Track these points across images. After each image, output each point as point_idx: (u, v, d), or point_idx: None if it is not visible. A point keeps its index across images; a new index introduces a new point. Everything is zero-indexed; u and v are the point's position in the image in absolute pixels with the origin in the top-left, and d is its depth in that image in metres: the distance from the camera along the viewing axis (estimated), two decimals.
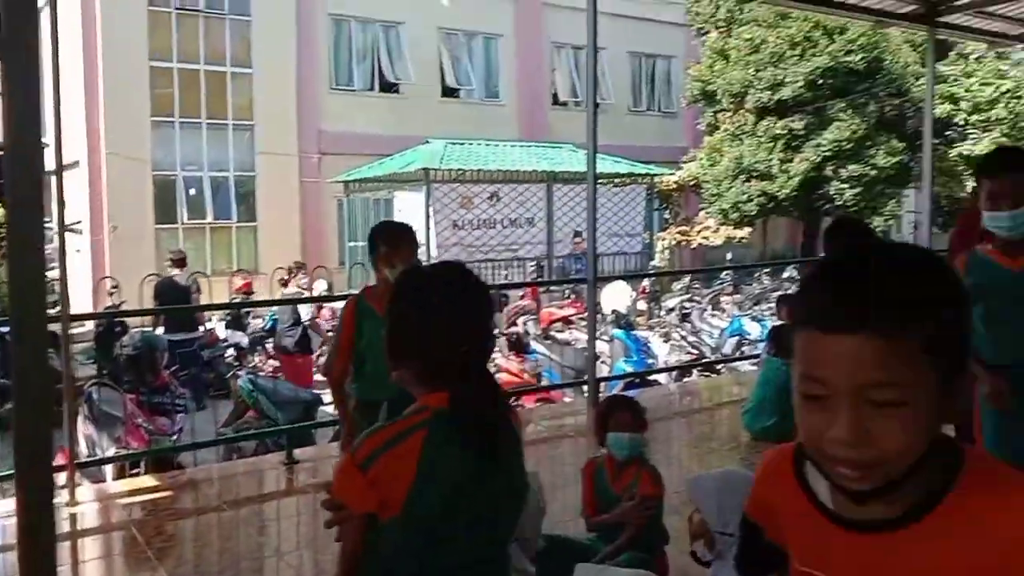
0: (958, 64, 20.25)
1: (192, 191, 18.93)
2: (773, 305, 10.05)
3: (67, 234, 15.90)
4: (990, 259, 2.55)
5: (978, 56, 20.10)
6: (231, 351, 10.66)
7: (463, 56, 22.38)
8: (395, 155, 17.66)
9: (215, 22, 19.12)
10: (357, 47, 21.02)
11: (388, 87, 21.30)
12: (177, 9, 18.57)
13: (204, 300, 10.07)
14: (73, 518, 4.58)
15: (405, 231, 3.70)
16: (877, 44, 19.02)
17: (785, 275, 14.45)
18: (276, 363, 10.27)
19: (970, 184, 20.83)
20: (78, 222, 17.36)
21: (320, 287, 12.35)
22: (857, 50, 18.92)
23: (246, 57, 19.41)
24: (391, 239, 3.61)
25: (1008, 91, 20.02)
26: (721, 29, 20.81)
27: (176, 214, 18.58)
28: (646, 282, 12.11)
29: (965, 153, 20.25)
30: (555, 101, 23.91)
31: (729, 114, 20.56)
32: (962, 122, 20.21)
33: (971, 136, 20.28)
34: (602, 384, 6.89)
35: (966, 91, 20.04)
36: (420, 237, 13.48)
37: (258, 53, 19.37)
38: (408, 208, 16.34)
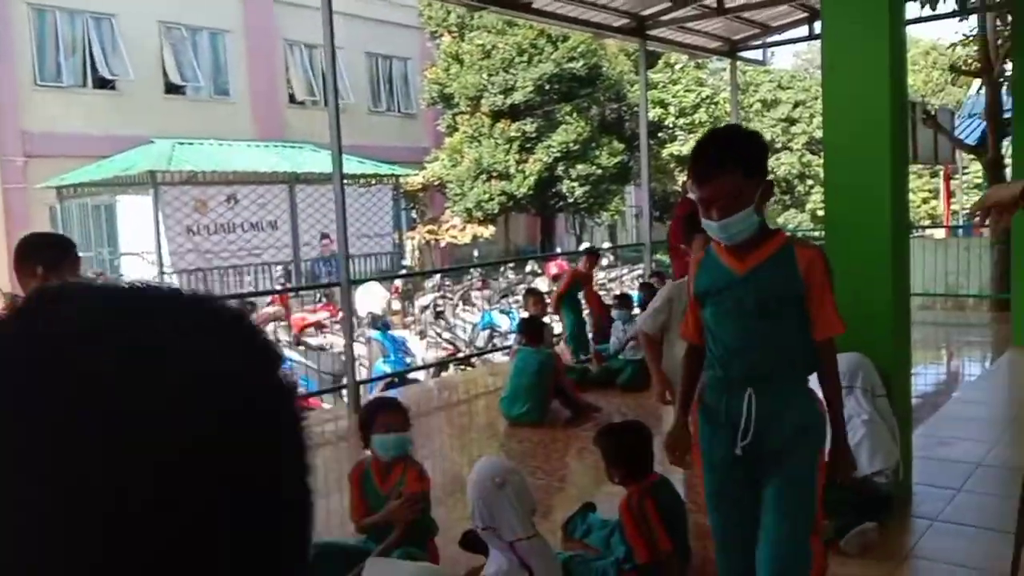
0: (665, 72, 22.51)
1: None
2: (520, 298, 10.60)
3: None
4: (719, 260, 2.42)
5: (682, 66, 22.48)
6: None
7: (187, 51, 21.01)
8: (116, 156, 16.24)
9: None
10: (64, 40, 19.00)
11: (103, 83, 19.49)
12: None
13: None
14: None
15: (65, 245, 3.13)
16: (596, 52, 20.61)
17: (528, 269, 15.25)
18: None
19: (681, 179, 23.29)
20: None
21: None
22: (579, 57, 20.36)
23: None
24: (51, 256, 2.97)
25: (707, 97, 22.60)
26: (454, 34, 21.43)
27: None
28: (399, 282, 12.21)
29: (675, 153, 22.57)
30: (291, 100, 23.22)
31: (467, 116, 21.23)
32: (671, 124, 22.51)
33: (679, 137, 22.64)
34: (362, 387, 6.89)
35: (673, 97, 22.34)
36: (149, 245, 12.55)
37: None
38: (133, 214, 15.11)
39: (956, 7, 10.32)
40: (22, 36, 18.08)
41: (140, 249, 14.94)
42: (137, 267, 14.53)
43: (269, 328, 10.60)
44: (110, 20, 19.40)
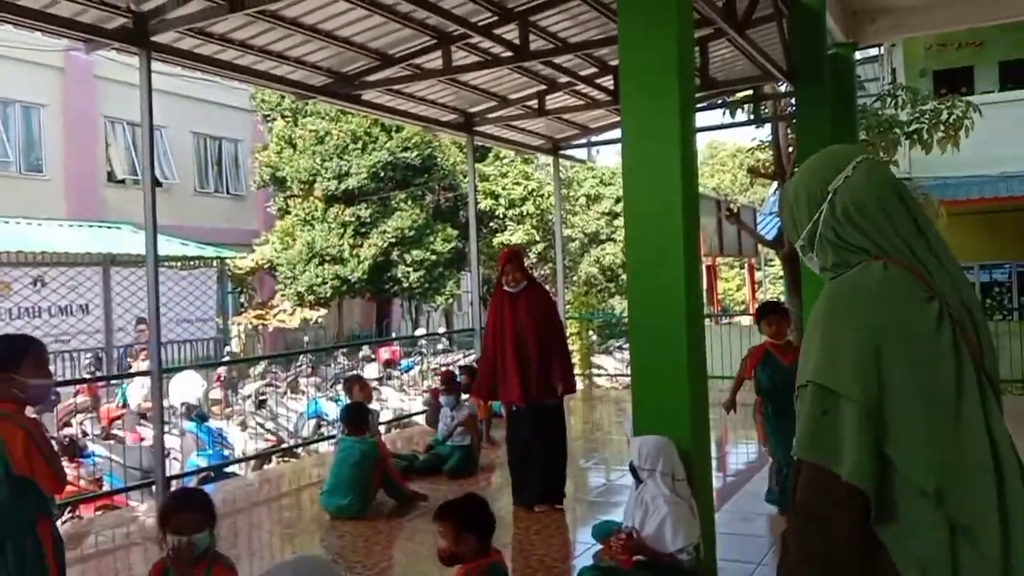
0: (495, 165, 23.40)
1: None
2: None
3: None
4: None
5: (510, 160, 23.47)
6: None
7: None
8: None
9: None
10: None
11: None
12: None
13: None
14: None
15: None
16: (430, 143, 21.16)
17: (361, 354, 15.05)
18: None
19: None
20: None
21: None
22: (413, 147, 20.83)
23: None
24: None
25: (534, 190, 23.63)
26: (287, 118, 21.38)
27: None
28: (222, 369, 11.70)
29: (505, 242, 23.28)
30: (110, 178, 22.14)
31: (299, 199, 21.04)
32: (501, 215, 23.28)
33: (508, 227, 23.43)
34: (174, 482, 6.51)
35: (503, 188, 23.19)
36: None
37: None
38: None
39: (751, 116, 11.52)
40: None
41: None
42: None
43: (76, 420, 9.83)
44: None
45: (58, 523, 3.50)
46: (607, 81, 9.35)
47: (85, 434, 8.88)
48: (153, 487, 6.38)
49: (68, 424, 9.54)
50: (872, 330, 1.44)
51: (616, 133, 11.74)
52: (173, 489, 3.36)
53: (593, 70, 9.18)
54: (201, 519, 3.15)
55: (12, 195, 18.82)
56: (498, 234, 23.31)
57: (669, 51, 4.34)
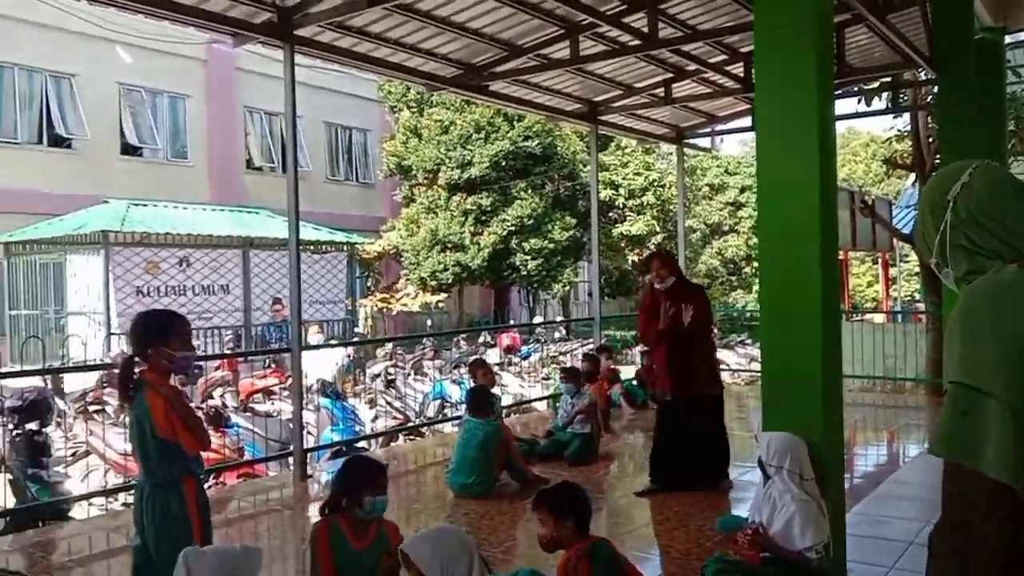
0: (616, 155, 23.24)
1: None
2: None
3: None
4: None
5: (632, 149, 23.24)
6: None
7: (146, 114, 21.12)
8: (67, 215, 16.10)
9: None
10: (21, 96, 18.96)
11: (59, 141, 19.43)
12: None
13: None
14: None
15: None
16: (551, 132, 21.24)
17: (481, 340, 15.35)
18: None
19: (631, 258, 23.82)
20: None
21: None
22: (534, 136, 20.96)
23: None
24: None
25: (655, 181, 23.32)
26: (413, 109, 21.94)
27: None
28: (351, 349, 12.19)
29: (625, 232, 23.13)
30: (249, 165, 23.39)
31: (424, 188, 21.59)
32: (621, 205, 23.12)
33: (628, 217, 23.25)
34: (309, 455, 6.86)
35: (623, 179, 23.01)
36: (98, 305, 12.49)
37: None
38: (83, 273, 14.91)
39: (889, 105, 10.99)
40: None
41: (87, 308, 14.71)
42: (83, 327, 14.28)
43: (217, 393, 10.49)
44: (70, 80, 19.47)
45: (204, 485, 3.74)
46: (737, 68, 9.15)
47: (225, 406, 9.45)
48: (290, 458, 6.76)
49: (210, 396, 10.20)
50: (1011, 330, 1.44)
51: (744, 121, 11.48)
52: (353, 456, 3.55)
53: (723, 57, 9.01)
54: (386, 483, 3.51)
55: (160, 180, 20.19)
56: (617, 224, 23.18)
57: (807, 38, 4.23)
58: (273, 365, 12.17)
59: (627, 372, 10.75)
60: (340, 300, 18.09)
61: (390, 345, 13.02)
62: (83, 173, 18.84)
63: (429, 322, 18.47)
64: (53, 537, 5.50)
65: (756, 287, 25.15)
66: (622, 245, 23.76)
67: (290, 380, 11.49)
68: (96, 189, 17.79)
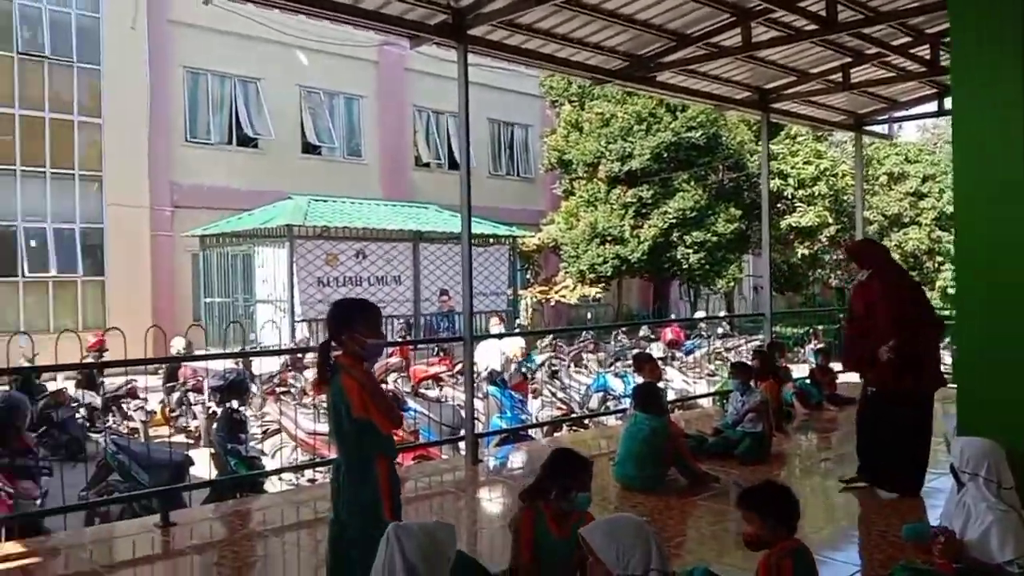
0: (785, 143, 22.33)
1: (34, 243, 17.81)
2: (631, 362, 10.64)
3: None
4: None
5: (802, 137, 22.27)
6: (83, 412, 10.10)
7: (324, 114, 22.46)
8: (255, 210, 17.39)
9: (62, 69, 18.34)
10: (214, 100, 20.67)
11: (246, 141, 21.02)
12: (20, 54, 17.70)
13: (48, 359, 9.50)
14: None
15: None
16: (715, 122, 20.70)
17: (641, 333, 15.24)
18: (133, 424, 9.85)
19: (800, 251, 22.85)
20: None
21: (178, 345, 11.92)
22: (697, 127, 20.51)
23: (95, 106, 18.67)
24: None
25: (826, 170, 22.23)
26: (574, 103, 22.03)
27: (16, 267, 17.40)
28: (522, 342, 12.45)
29: (794, 224, 22.21)
30: (417, 162, 24.35)
31: (584, 181, 21.66)
32: (790, 196, 22.21)
33: (798, 208, 22.30)
34: (479, 440, 7.09)
35: (792, 168, 22.09)
36: (283, 293, 13.30)
37: (109, 102, 18.68)
38: (270, 264, 16.07)
39: None
40: (177, 97, 19.79)
41: (274, 297, 15.85)
42: (270, 314, 15.42)
43: (391, 378, 11.03)
44: (256, 84, 21.00)
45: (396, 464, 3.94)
46: (923, 51, 8.58)
47: (399, 391, 9.92)
48: (462, 443, 7.02)
49: (384, 381, 10.73)
50: None
51: (929, 107, 10.76)
52: (563, 450, 3.67)
53: (906, 39, 8.46)
54: (591, 479, 3.69)
55: (337, 177, 21.40)
56: (786, 216, 22.29)
57: (1009, 13, 3.92)
58: (441, 353, 12.63)
59: (797, 372, 10.36)
60: (503, 292, 18.51)
61: (550, 336, 13.20)
62: (268, 171, 20.29)
63: (589, 315, 18.54)
64: (249, 508, 5.99)
65: (939, 283, 23.49)
66: (791, 237, 22.84)
67: (457, 367, 11.97)
68: (280, 185, 19.10)
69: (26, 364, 9.23)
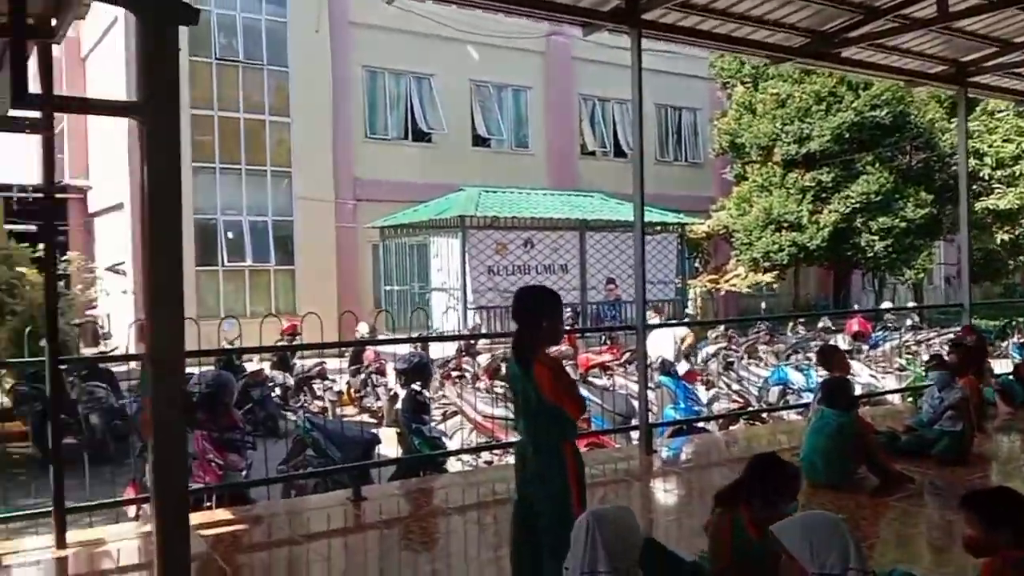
0: (982, 120, 20.52)
1: (231, 235, 19.36)
2: (812, 355, 10.17)
3: (115, 275, 16.19)
4: None
5: (1002, 113, 20.37)
6: (277, 391, 10.90)
7: (493, 107, 22.94)
8: (430, 201, 18.05)
9: (254, 72, 19.75)
10: (391, 97, 21.61)
11: (420, 136, 21.83)
12: (217, 59, 19.21)
13: (246, 342, 10.29)
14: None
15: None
16: (903, 99, 19.33)
17: (819, 325, 14.51)
18: (322, 403, 10.53)
19: (999, 237, 20.97)
20: (121, 263, 17.76)
21: (363, 330, 12.60)
22: (883, 105, 19.24)
23: (284, 106, 20.00)
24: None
25: None
26: (747, 84, 21.24)
27: (216, 257, 19.01)
28: (688, 333, 12.25)
29: (991, 207, 20.40)
30: (583, 151, 24.38)
31: (757, 165, 20.88)
32: (987, 176, 20.41)
33: (996, 190, 20.45)
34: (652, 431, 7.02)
35: (989, 147, 20.27)
36: (456, 282, 13.73)
37: (296, 102, 19.96)
38: (444, 254, 16.65)
39: None
40: (357, 95, 20.83)
41: (448, 285, 16.42)
42: (444, 301, 15.99)
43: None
44: (429, 80, 21.74)
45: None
46: None
47: None
48: (634, 432, 6.98)
49: None
50: None
51: None
52: (770, 457, 3.59)
53: None
54: (799, 488, 3.68)
55: (505, 168, 21.80)
56: (982, 198, 20.51)
57: None
58: (609, 342, 12.60)
59: (998, 367, 9.54)
60: (670, 281, 18.21)
61: (722, 327, 12.84)
62: (441, 164, 20.98)
63: (763, 304, 17.90)
64: (432, 486, 6.24)
65: None
66: (988, 221, 21.00)
67: (625, 356, 11.91)
68: (452, 178, 19.69)
69: (228, 346, 10.06)
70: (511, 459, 7.52)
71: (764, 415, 9.08)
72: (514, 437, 7.32)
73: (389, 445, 7.26)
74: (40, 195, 5.89)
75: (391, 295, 18.07)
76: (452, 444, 7.65)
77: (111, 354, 10.18)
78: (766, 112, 20.32)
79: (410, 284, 17.65)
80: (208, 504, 5.63)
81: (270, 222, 19.88)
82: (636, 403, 7.22)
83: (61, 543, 4.71)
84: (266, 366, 11.63)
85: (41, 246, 12.16)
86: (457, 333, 13.24)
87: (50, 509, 4.81)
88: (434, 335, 11.88)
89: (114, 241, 19.37)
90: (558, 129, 23.51)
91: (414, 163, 21.00)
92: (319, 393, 10.87)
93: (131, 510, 5.78)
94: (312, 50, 19.94)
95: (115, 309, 16.10)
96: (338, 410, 10.71)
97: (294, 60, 20.00)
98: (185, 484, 2.94)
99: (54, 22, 4.36)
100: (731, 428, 8.46)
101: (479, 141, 22.64)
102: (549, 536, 3.21)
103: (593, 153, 24.52)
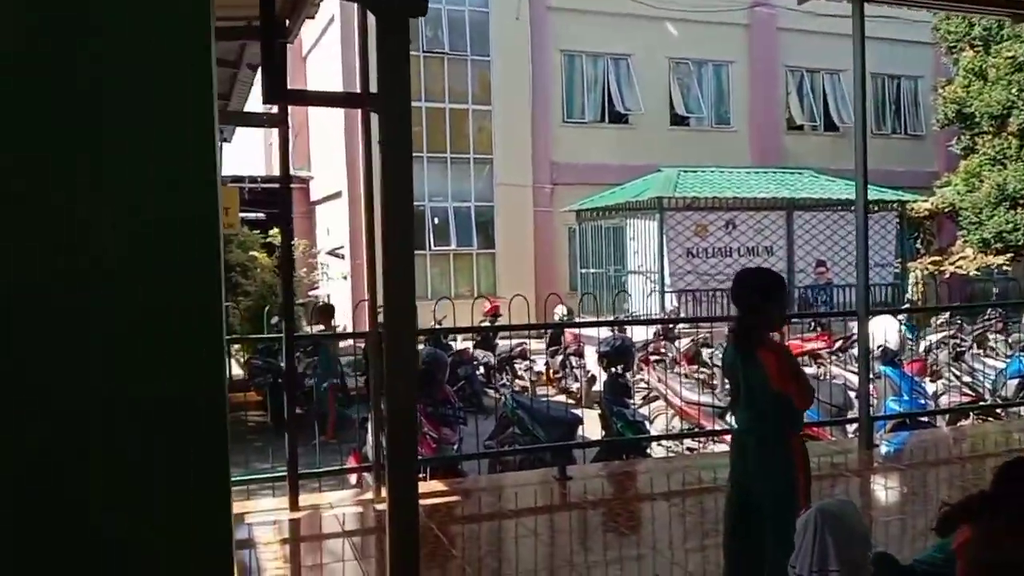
0: None
1: (437, 220, 20.25)
2: None
3: (334, 259, 17.44)
4: None
5: None
6: (481, 369, 11.31)
7: (692, 84, 22.37)
8: (626, 184, 17.91)
9: (458, 63, 20.44)
10: (588, 80, 21.62)
11: (617, 118, 21.69)
12: (424, 52, 20.05)
13: (450, 323, 10.74)
14: (380, 515, 5.06)
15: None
16: None
17: None
18: (523, 383, 10.81)
19: None
20: (340, 247, 19.10)
21: (561, 312, 12.77)
22: None
23: (485, 94, 20.57)
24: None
25: None
26: (977, 48, 19.26)
27: (424, 241, 19.99)
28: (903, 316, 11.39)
29: None
30: (789, 125, 23.24)
31: (989, 137, 18.93)
32: None
33: None
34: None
35: None
36: (653, 265, 13.53)
37: (496, 90, 20.46)
38: (640, 236, 16.48)
39: None
40: (555, 79, 21.03)
41: (644, 268, 16.27)
42: (641, 284, 15.86)
43: None
44: (626, 60, 21.53)
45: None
46: None
47: None
48: (850, 425, 6.58)
49: None
50: None
51: None
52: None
53: None
54: None
55: (705, 146, 21.22)
56: None
57: None
58: (819, 328, 11.96)
59: None
60: (888, 263, 16.96)
61: (947, 314, 11.78)
62: (638, 145, 20.76)
63: (995, 289, 16.25)
64: (635, 470, 6.23)
65: None
66: None
67: (837, 344, 11.25)
68: (649, 159, 19.43)
69: (436, 326, 10.55)
70: (715, 447, 7.39)
71: (999, 411, 8.27)
72: (719, 426, 7.17)
73: (590, 426, 7.32)
74: (274, 185, 6.43)
75: (586, 278, 18.16)
76: (654, 429, 7.57)
77: (336, 332, 10.93)
78: (1000, 78, 18.34)
79: (606, 267, 17.65)
80: (423, 475, 5.94)
81: (472, 208, 20.58)
82: (852, 394, 6.81)
83: (294, 505, 5.15)
84: (470, 345, 12.09)
85: (271, 231, 13.40)
86: (655, 317, 13.04)
87: (284, 474, 5.27)
88: (631, 319, 11.81)
89: (333, 227, 20.85)
90: (762, 104, 22.53)
91: (611, 145, 20.92)
92: (520, 373, 11.15)
93: (352, 478, 6.23)
94: (512, 38, 20.34)
95: (334, 291, 17.37)
96: (538, 390, 10.94)
97: (496, 49, 20.49)
98: (415, 455, 3.10)
99: (287, 23, 4.75)
100: (960, 424, 7.78)
101: (677, 120, 22.16)
102: (774, 532, 3.10)
103: (800, 127, 23.30)
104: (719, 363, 11.51)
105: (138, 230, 1.05)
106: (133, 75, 1.04)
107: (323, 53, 21.57)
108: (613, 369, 7.09)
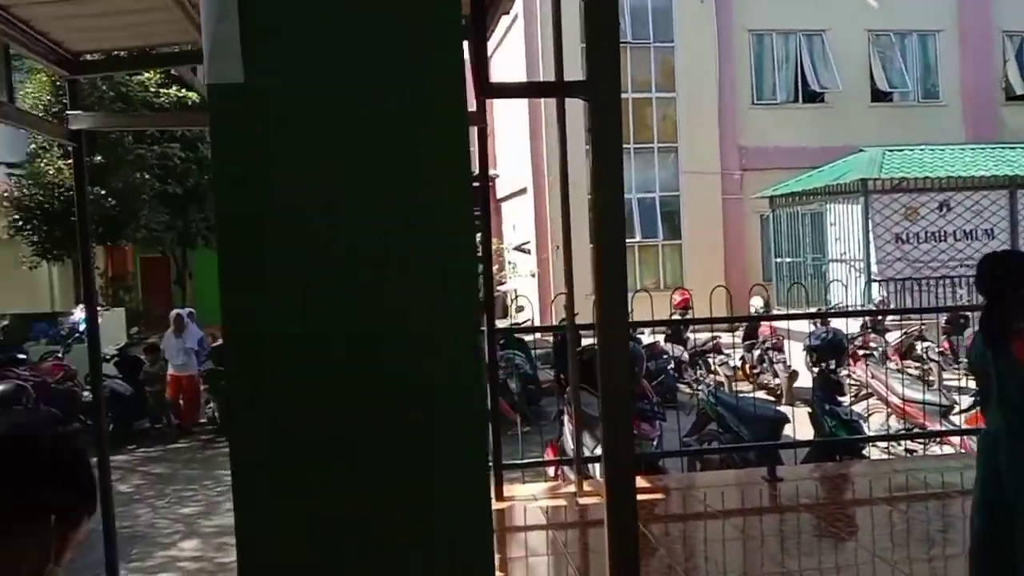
0: None
1: None
2: None
3: (520, 254, 17.77)
4: None
5: None
6: (672, 364, 11.06)
7: (895, 57, 20.77)
8: (824, 166, 16.91)
9: (640, 51, 20.11)
10: (778, 59, 20.64)
11: (812, 97, 20.55)
12: None
13: (636, 316, 10.53)
14: (583, 509, 5.03)
15: None
16: None
17: None
18: (718, 378, 10.46)
19: None
20: (527, 243, 19.39)
21: (756, 304, 12.26)
22: None
23: (669, 82, 20.12)
24: None
25: None
26: None
27: None
28: None
29: None
30: (1008, 95, 21.06)
31: None
32: None
33: None
34: None
35: None
36: (857, 252, 12.67)
37: (681, 76, 19.97)
38: (842, 222, 15.49)
39: None
40: (742, 61, 20.24)
41: (847, 256, 15.27)
42: (843, 273, 14.90)
43: None
44: (821, 36, 20.35)
45: None
46: None
47: None
48: None
49: None
50: None
51: None
52: None
53: None
54: None
55: (911, 123, 19.67)
56: None
57: None
58: None
59: None
60: None
61: None
62: (836, 125, 19.56)
63: None
64: (851, 472, 5.81)
65: None
66: None
67: None
68: (848, 139, 18.25)
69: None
70: (937, 448, 6.79)
71: None
72: (944, 426, 6.57)
73: (795, 425, 6.94)
74: (474, 184, 6.60)
75: (781, 267, 17.31)
76: (869, 429, 7.06)
77: (525, 325, 11.07)
78: None
79: (803, 255, 16.72)
80: None
81: (657, 198, 20.21)
82: None
83: (499, 495, 5.21)
84: (660, 338, 11.85)
85: None
86: (861, 308, 12.18)
87: (490, 464, 5.36)
88: (837, 311, 11.10)
89: (519, 223, 21.19)
90: (975, 74, 20.54)
91: (805, 126, 19.84)
92: (714, 367, 10.80)
93: (550, 469, 6.25)
94: (697, 21, 19.78)
95: (521, 285, 17.65)
96: (734, 385, 10.54)
97: (679, 34, 20.01)
98: (631, 449, 3.01)
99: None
100: None
101: (879, 96, 20.66)
102: None
103: (1020, 98, 21.05)
104: (935, 358, 10.63)
105: (413, 237, 1.37)
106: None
107: (506, 51, 21.95)
108: (823, 364, 6.67)
